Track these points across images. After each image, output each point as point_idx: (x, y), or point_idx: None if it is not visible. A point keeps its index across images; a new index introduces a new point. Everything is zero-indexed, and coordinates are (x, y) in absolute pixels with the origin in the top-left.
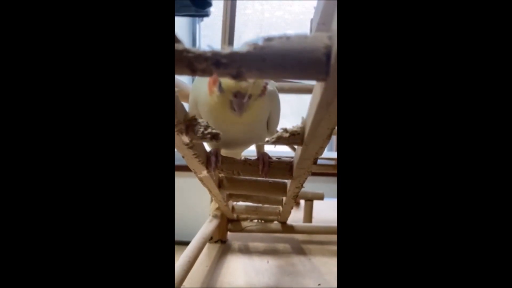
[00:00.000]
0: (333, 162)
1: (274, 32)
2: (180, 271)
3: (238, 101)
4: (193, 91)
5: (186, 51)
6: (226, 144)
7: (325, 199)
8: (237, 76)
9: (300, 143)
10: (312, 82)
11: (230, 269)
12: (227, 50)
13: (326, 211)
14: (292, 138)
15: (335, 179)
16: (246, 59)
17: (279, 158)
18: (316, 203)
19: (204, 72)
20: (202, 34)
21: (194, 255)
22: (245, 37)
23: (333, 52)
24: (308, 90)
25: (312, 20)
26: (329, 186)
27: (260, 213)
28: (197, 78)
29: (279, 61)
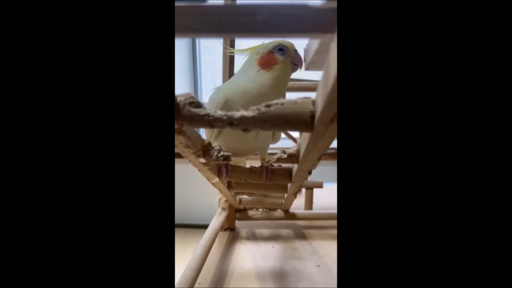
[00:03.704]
0: (333, 151)
1: None
2: (198, 259)
3: (298, 55)
4: (222, 92)
5: (207, 115)
6: (238, 152)
7: (324, 184)
8: (244, 130)
9: (296, 161)
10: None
11: (240, 255)
12: (238, 114)
13: (326, 196)
14: (289, 159)
15: (334, 162)
16: (252, 121)
17: (280, 166)
18: (316, 189)
19: (221, 127)
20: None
21: (208, 245)
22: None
23: (317, 114)
24: (311, 89)
25: (306, 50)
26: (330, 169)
27: (264, 203)
28: (216, 92)
29: (276, 122)
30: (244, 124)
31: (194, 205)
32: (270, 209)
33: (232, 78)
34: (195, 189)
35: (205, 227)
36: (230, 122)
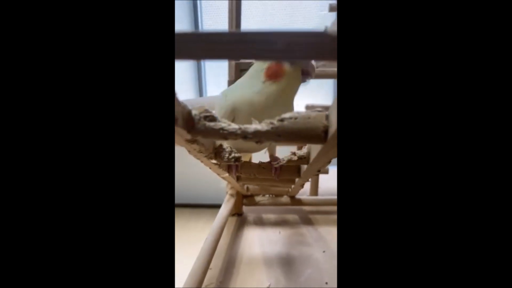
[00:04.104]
0: None
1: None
2: (208, 248)
3: (310, 62)
4: (230, 100)
5: (222, 129)
6: (248, 149)
7: (330, 168)
8: (257, 142)
9: (307, 163)
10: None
11: (248, 240)
12: (252, 129)
13: (331, 181)
14: (300, 160)
15: None
16: (266, 135)
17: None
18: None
19: (234, 139)
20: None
21: (218, 233)
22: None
23: (330, 130)
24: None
25: None
26: None
27: (271, 191)
28: (223, 99)
29: (290, 136)
30: (258, 137)
31: (198, 184)
32: (277, 195)
33: (239, 82)
34: (198, 169)
35: (209, 206)
36: (244, 136)
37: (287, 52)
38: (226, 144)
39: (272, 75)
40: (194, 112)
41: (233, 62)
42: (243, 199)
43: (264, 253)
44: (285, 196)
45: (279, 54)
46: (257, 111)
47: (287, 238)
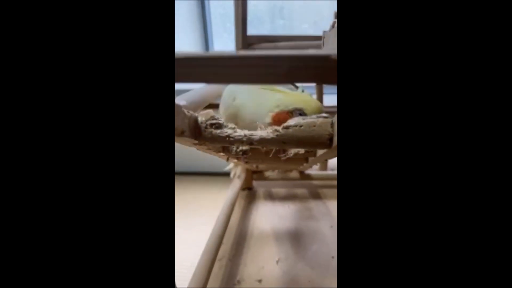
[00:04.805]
0: None
1: None
2: (220, 226)
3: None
4: (237, 106)
5: (229, 136)
6: None
7: None
8: (263, 148)
9: (314, 156)
10: None
11: (258, 216)
12: (257, 136)
13: None
14: (307, 153)
15: None
16: (271, 142)
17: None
18: None
19: (240, 145)
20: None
21: (229, 210)
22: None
23: (335, 138)
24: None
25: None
26: None
27: (281, 168)
28: (238, 93)
29: (295, 143)
30: (263, 144)
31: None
32: (286, 171)
33: (248, 88)
34: None
35: (222, 174)
36: (250, 143)
37: (291, 76)
38: None
39: (279, 122)
40: (200, 119)
41: (240, 34)
42: (253, 174)
43: (273, 228)
44: (294, 171)
45: (282, 78)
46: (260, 119)
47: (296, 213)
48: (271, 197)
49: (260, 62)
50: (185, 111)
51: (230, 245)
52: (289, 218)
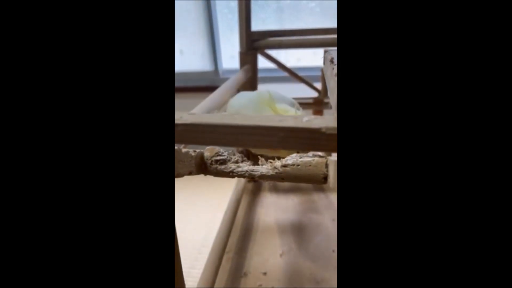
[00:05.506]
0: None
1: None
2: (228, 218)
3: None
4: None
5: (232, 172)
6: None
7: None
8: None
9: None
10: None
11: (263, 208)
12: (258, 173)
13: None
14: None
15: None
16: (271, 177)
17: None
18: None
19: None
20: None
21: (235, 206)
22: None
23: (329, 176)
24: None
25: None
26: None
27: None
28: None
29: (292, 179)
30: (263, 179)
31: None
32: None
33: (248, 101)
34: None
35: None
36: (252, 178)
37: (283, 143)
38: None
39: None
40: (206, 155)
41: (244, 30)
42: None
43: (278, 220)
44: None
45: (276, 145)
46: None
47: (300, 206)
48: (275, 189)
49: (255, 132)
50: (191, 152)
51: (237, 238)
52: (293, 211)
